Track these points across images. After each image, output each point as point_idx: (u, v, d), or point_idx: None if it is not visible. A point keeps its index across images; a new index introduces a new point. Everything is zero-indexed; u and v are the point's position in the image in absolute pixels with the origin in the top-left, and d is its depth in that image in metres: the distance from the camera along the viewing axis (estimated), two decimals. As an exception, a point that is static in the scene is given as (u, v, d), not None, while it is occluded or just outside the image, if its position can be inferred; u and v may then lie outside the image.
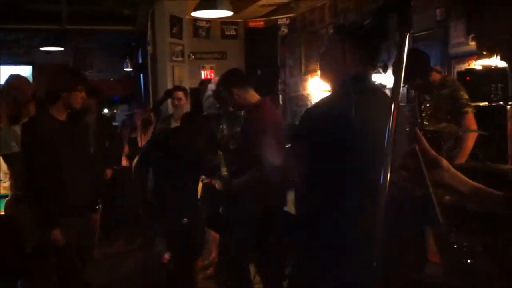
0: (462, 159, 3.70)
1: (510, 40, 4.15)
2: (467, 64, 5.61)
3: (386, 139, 1.11)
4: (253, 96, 3.84)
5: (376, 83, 2.26)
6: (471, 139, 3.76)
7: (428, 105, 4.01)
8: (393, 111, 1.08)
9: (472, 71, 5.11)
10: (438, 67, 4.68)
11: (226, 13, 6.07)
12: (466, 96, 3.86)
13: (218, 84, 4.06)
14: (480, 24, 4.47)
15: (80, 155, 3.61)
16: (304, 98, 8.83)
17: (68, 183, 3.43)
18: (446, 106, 3.83)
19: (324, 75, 2.30)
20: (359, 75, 2.14)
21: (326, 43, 2.35)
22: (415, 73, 3.92)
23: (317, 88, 8.05)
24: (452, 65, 5.79)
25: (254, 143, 3.55)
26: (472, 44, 5.67)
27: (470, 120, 3.79)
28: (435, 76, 4.08)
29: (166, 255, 5.25)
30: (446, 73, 5.31)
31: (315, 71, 9.07)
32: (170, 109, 5.87)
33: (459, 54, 5.76)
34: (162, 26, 7.42)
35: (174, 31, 7.46)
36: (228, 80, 3.86)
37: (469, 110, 3.80)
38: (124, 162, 6.21)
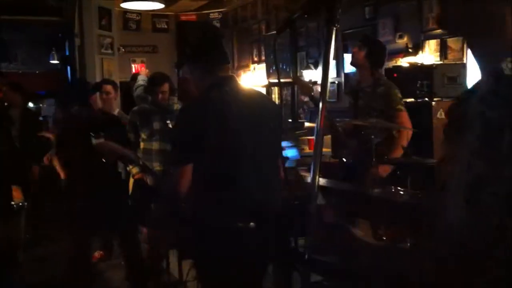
0: (396, 154, 3.74)
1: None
2: (394, 61, 5.78)
3: (315, 135, 1.11)
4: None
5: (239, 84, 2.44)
6: (404, 136, 3.81)
7: (362, 102, 4.02)
8: (321, 107, 1.08)
9: (399, 68, 5.26)
10: None
11: (157, 6, 5.97)
12: (399, 95, 3.91)
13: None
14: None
15: (4, 151, 3.45)
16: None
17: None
18: (379, 104, 3.85)
19: (191, 85, 2.43)
20: (216, 82, 2.28)
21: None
22: (380, 63, 3.98)
23: (249, 83, 8.05)
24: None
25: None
26: (400, 41, 5.86)
27: (404, 118, 3.85)
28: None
29: (96, 254, 5.11)
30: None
31: (247, 66, 9.08)
32: (99, 103, 5.70)
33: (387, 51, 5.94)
34: (90, 17, 7.19)
35: (102, 22, 7.24)
36: None
37: (402, 108, 3.86)
38: (46, 161, 5.91)
